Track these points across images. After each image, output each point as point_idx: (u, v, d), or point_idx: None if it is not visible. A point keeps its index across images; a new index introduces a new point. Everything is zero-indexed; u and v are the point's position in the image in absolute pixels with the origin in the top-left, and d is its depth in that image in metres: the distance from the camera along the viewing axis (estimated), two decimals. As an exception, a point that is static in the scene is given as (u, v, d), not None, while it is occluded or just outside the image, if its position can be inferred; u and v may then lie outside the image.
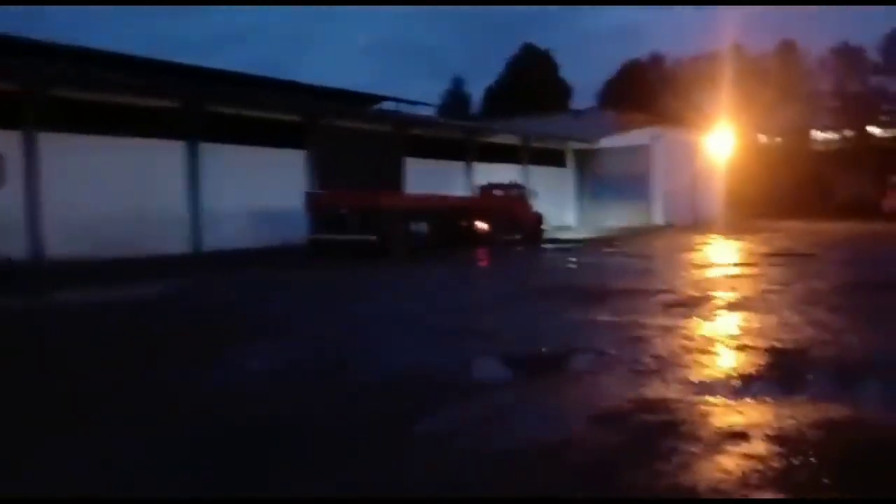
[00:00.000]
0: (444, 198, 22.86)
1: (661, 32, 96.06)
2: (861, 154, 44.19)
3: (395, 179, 24.85)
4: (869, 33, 62.55)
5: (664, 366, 6.12)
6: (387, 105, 31.86)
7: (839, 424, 4.41)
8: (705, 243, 22.33)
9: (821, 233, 25.84)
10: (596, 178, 32.92)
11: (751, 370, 5.92)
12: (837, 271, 13.60)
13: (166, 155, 19.34)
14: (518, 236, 23.89)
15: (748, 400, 4.97)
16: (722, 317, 8.54)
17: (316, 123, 23.07)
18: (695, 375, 5.76)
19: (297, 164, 22.65)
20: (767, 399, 4.97)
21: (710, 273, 13.90)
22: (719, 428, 4.39)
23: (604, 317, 8.85)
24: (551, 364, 6.44)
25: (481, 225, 22.22)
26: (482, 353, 7.10)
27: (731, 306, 9.39)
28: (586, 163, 33.88)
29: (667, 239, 24.72)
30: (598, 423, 4.66)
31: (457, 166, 28.01)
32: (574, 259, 17.90)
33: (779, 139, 47.68)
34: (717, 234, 26.47)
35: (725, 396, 5.09)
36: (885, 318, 8.21)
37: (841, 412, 4.65)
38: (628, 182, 31.29)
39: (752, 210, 37.20)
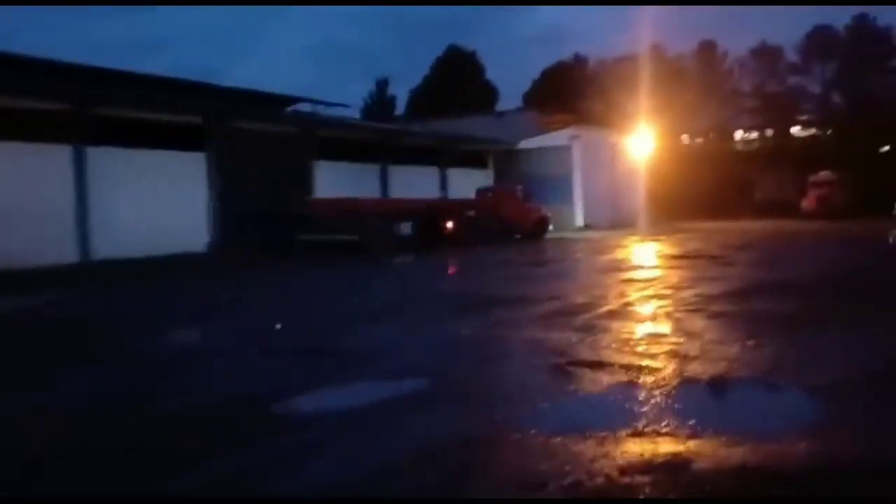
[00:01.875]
0: (427, 201, 25.04)
1: (587, 35, 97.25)
2: (781, 154, 45.13)
3: (303, 182, 23.94)
4: (787, 33, 64.59)
5: (503, 392, 5.51)
6: (303, 107, 30.87)
7: (660, 466, 3.81)
8: (619, 245, 22.09)
9: (737, 233, 26.01)
10: (517, 180, 32.49)
11: (594, 395, 5.34)
12: (737, 274, 13.32)
13: (52, 160, 18.12)
14: (518, 235, 25.34)
15: (571, 435, 4.34)
16: (595, 328, 7.96)
17: (219, 125, 21.98)
18: (528, 404, 5.12)
19: (198, 167, 21.54)
20: (593, 434, 4.32)
21: (609, 278, 13.49)
22: (521, 473, 3.74)
23: (478, 330, 8.22)
24: (384, 394, 5.72)
25: (451, 225, 23.40)
26: (320, 378, 6.33)
27: (612, 315, 8.86)
28: (507, 164, 33.45)
29: (583, 241, 24.45)
30: (388, 470, 3.97)
31: (372, 169, 27.21)
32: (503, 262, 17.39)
33: (700, 139, 48.42)
34: (636, 235, 26.37)
35: (548, 432, 4.44)
36: (762, 327, 7.75)
37: (669, 449, 4.05)
38: (549, 183, 30.91)
39: (674, 210, 37.44)
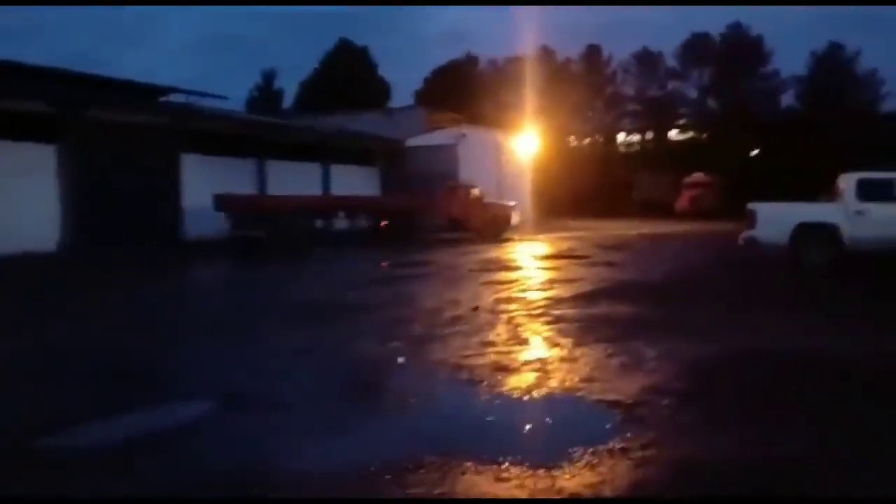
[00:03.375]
0: (358, 198, 24.89)
1: (486, 36, 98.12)
2: (660, 156, 46.90)
3: (169, 177, 22.60)
4: (667, 40, 67.20)
5: (293, 419, 4.98)
6: (177, 97, 29.21)
7: None
8: (496, 245, 22.02)
9: (612, 233, 26.51)
10: (404, 178, 32.08)
11: (390, 420, 4.91)
12: (595, 275, 13.32)
13: None
14: (470, 232, 24.49)
15: (338, 474, 3.85)
16: (432, 337, 7.55)
17: (73, 115, 20.33)
18: (307, 433, 4.62)
19: (48, 160, 19.86)
20: (363, 471, 3.83)
21: (470, 280, 13.23)
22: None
23: (308, 342, 7.64)
24: (160, 422, 5.04)
25: (383, 223, 23.21)
26: (106, 404, 5.53)
27: (454, 321, 8.49)
28: (394, 162, 32.99)
29: (463, 240, 24.23)
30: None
31: (248, 163, 26.07)
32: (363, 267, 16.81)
33: (586, 141, 49.61)
34: (516, 235, 26.43)
35: (317, 469, 3.98)
36: (596, 332, 7.53)
37: (437, 488, 3.67)
38: (435, 181, 30.65)
39: (559, 209, 38.15)
